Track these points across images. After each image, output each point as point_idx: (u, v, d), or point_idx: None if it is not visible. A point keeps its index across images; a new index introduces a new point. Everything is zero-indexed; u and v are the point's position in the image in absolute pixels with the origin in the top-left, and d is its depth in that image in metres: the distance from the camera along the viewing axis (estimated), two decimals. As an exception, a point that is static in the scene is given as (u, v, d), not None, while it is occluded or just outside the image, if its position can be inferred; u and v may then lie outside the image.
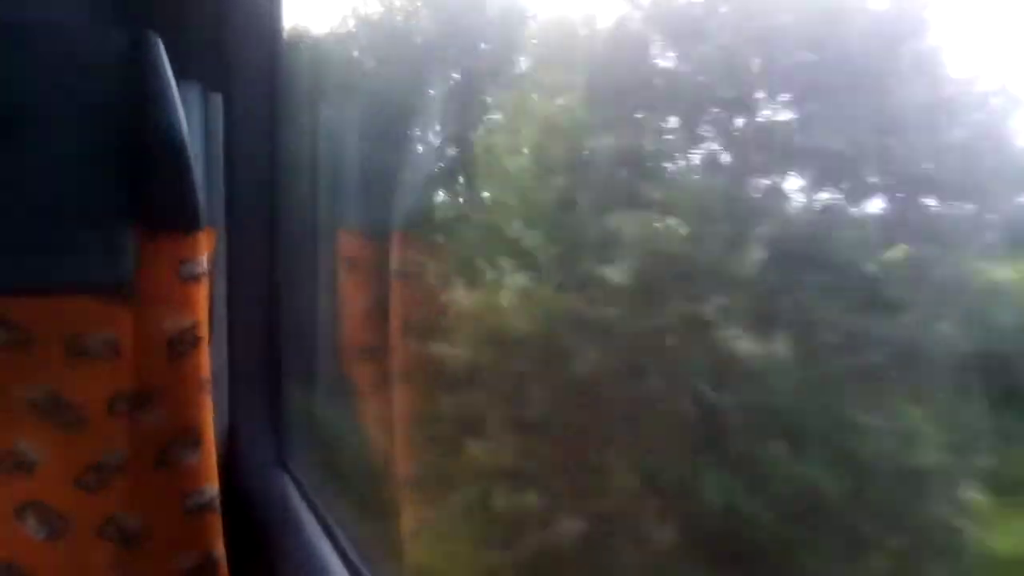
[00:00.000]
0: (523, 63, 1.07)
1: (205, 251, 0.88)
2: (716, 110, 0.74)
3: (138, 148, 0.82)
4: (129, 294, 0.84)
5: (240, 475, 1.10)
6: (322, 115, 1.24)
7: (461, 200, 1.14)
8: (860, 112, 0.63)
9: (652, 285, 0.76)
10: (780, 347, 0.66)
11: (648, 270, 0.76)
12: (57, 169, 0.80)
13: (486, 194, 1.09)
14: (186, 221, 0.85)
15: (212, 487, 0.88)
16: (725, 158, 0.75)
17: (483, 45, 1.12)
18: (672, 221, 0.75)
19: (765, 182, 0.74)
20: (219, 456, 0.91)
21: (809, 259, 0.65)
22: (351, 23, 1.29)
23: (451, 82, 1.13)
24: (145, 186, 0.83)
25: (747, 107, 0.72)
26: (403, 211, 1.06)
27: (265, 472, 1.13)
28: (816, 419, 0.65)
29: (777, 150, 0.69)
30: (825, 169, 0.66)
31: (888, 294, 0.62)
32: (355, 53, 1.32)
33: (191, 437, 0.86)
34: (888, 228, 0.63)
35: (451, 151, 1.15)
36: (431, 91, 1.12)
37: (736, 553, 0.68)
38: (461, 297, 0.97)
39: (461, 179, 1.13)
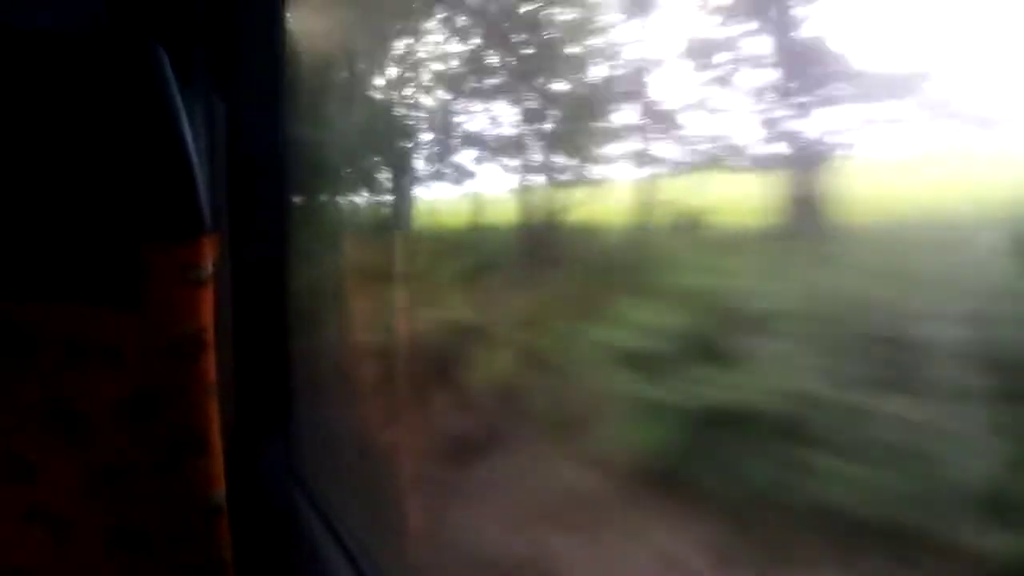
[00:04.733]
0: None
1: (210, 257, 0.88)
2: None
3: (143, 156, 0.83)
4: (135, 300, 0.84)
5: (248, 479, 1.10)
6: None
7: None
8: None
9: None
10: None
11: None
12: (63, 178, 0.81)
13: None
14: (191, 227, 0.85)
15: (219, 492, 0.88)
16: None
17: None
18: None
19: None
20: (226, 460, 0.92)
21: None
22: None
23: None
24: (150, 193, 0.84)
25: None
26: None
27: (273, 476, 1.14)
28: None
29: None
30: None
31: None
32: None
33: (198, 442, 0.87)
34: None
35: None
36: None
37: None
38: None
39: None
